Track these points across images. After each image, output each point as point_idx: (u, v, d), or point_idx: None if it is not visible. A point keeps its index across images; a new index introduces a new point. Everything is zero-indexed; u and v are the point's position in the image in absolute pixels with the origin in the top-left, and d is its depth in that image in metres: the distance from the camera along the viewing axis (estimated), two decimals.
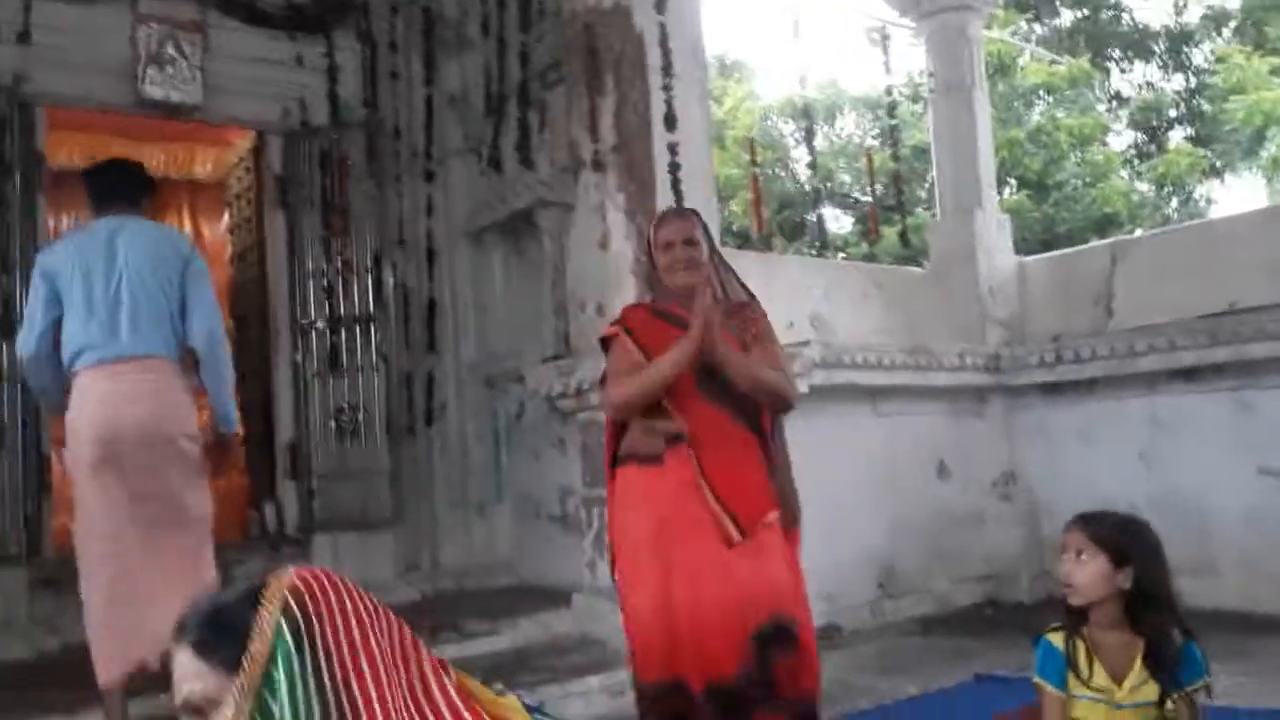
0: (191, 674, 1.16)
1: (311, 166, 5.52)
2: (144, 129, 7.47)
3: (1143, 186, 13.06)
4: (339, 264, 5.45)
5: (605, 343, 2.77)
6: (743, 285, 2.92)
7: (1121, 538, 2.12)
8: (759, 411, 2.65)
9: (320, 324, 5.44)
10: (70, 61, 4.95)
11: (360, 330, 5.44)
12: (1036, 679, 2.19)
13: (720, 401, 2.58)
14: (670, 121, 4.49)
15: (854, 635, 4.68)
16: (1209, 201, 13.21)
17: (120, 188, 3.43)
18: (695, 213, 2.87)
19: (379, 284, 5.47)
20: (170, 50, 5.17)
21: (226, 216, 7.05)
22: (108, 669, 3.14)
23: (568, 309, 4.84)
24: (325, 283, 5.46)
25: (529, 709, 1.30)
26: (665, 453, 2.56)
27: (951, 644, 4.44)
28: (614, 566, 2.70)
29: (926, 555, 5.25)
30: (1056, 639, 2.17)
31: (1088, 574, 2.09)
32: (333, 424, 5.35)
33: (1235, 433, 4.71)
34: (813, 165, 11.11)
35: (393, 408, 5.43)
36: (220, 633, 1.15)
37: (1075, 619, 2.15)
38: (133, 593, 3.12)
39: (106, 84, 5.13)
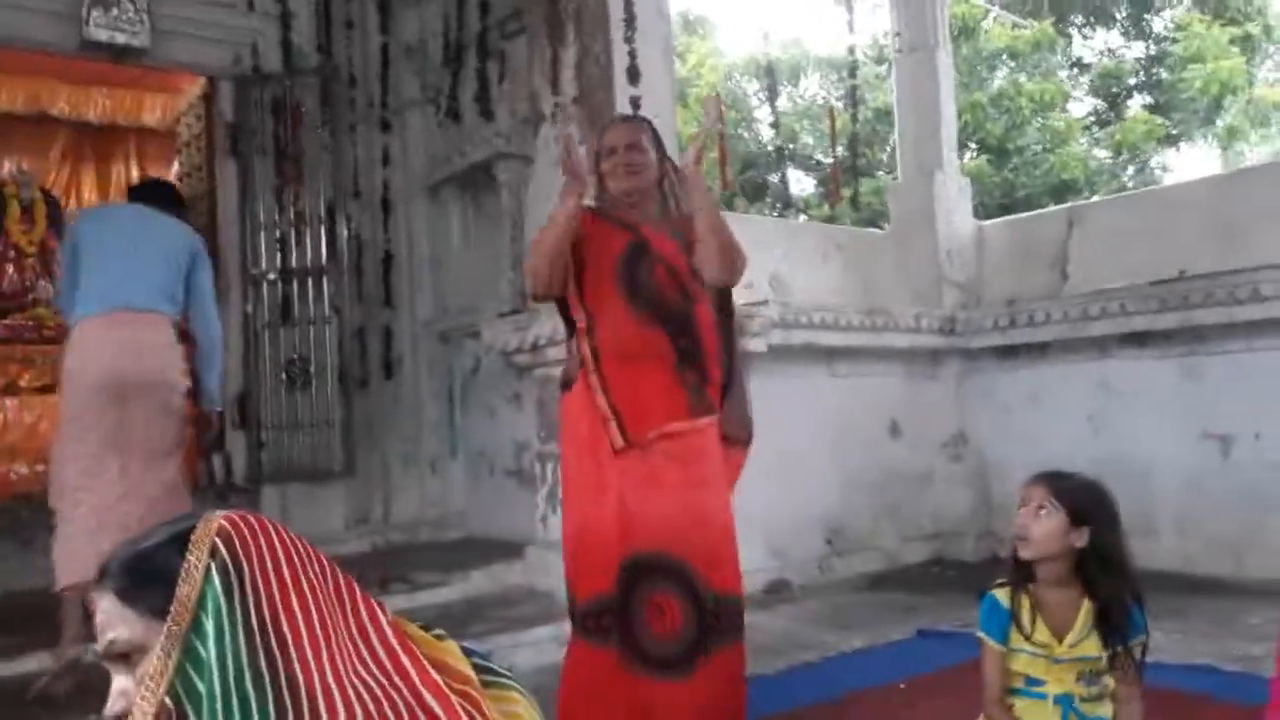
0: (116, 620, 1.13)
1: (264, 114, 5.41)
2: (89, 73, 7.29)
3: (1101, 153, 13.17)
4: (291, 214, 5.36)
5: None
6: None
7: (1083, 498, 2.14)
8: (686, 310, 2.52)
9: (272, 275, 5.36)
10: (12, 2, 4.78)
11: (313, 282, 5.36)
12: (979, 633, 2.21)
13: (640, 300, 2.49)
14: (633, 75, 4.43)
15: (803, 590, 4.74)
16: (1165, 169, 13.38)
17: (159, 193, 3.80)
18: (646, 121, 2.77)
19: (332, 235, 5.39)
20: None
21: (176, 164, 6.88)
22: (70, 572, 3.28)
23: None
24: (277, 233, 5.37)
25: (467, 652, 1.29)
26: (578, 373, 2.53)
27: (898, 600, 4.51)
28: None
29: (876, 514, 5.31)
30: (1001, 595, 2.20)
31: (1044, 529, 2.11)
32: (283, 375, 5.29)
33: (1181, 398, 4.79)
34: (775, 124, 11.04)
35: (345, 360, 5.38)
36: (145, 578, 1.13)
37: (1022, 574, 2.18)
38: (115, 520, 3.23)
39: (49, 25, 4.97)
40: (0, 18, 4.79)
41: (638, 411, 2.45)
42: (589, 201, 2.61)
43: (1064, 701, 2.13)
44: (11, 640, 3.48)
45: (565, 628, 3.84)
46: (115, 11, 5.03)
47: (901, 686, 3.11)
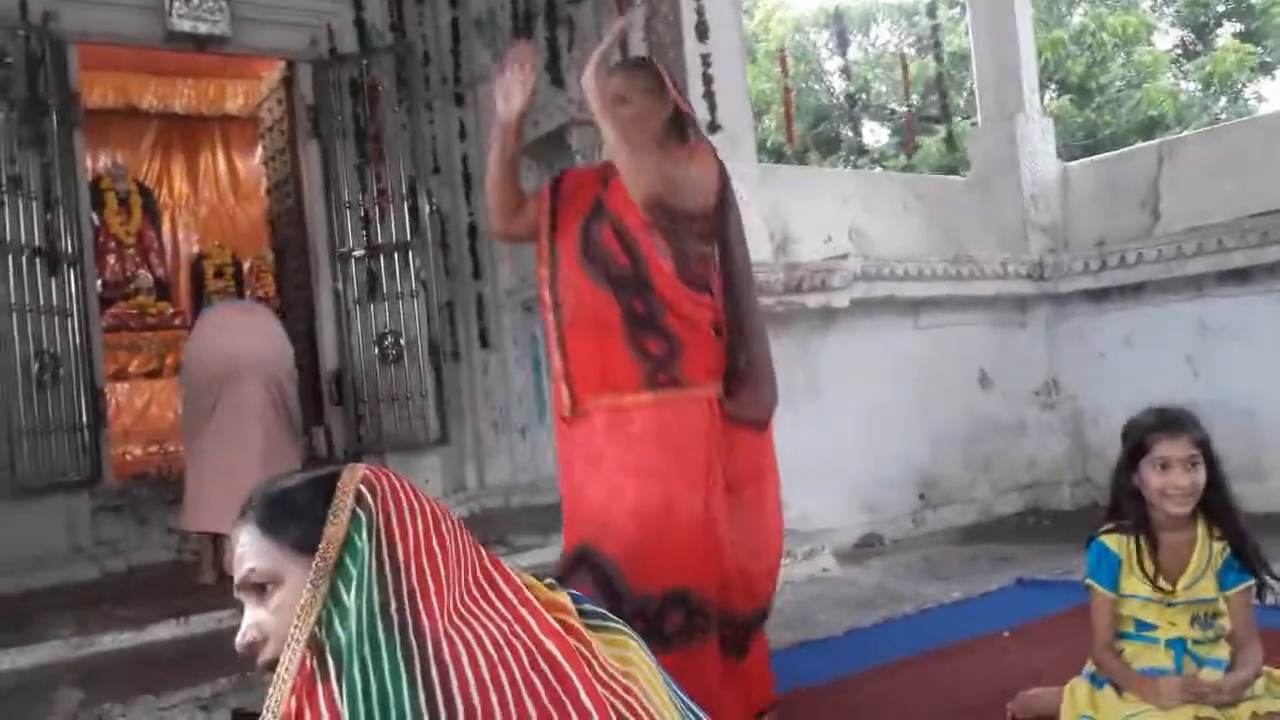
0: (255, 551, 1.20)
1: (342, 95, 5.52)
2: (174, 64, 7.51)
3: (1190, 86, 12.64)
4: (375, 192, 5.47)
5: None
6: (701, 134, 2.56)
7: (1205, 434, 2.11)
8: (635, 271, 2.27)
9: (359, 252, 5.49)
10: None
11: (399, 258, 5.48)
12: (1089, 580, 2.19)
13: (593, 266, 2.29)
14: (702, 32, 4.41)
15: (896, 545, 4.73)
16: (1260, 99, 12.77)
17: None
18: (645, 66, 2.52)
19: (415, 211, 5.49)
20: None
21: (260, 149, 7.07)
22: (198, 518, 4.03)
23: None
24: (362, 211, 5.49)
25: (576, 600, 1.34)
26: (547, 332, 2.39)
27: (994, 551, 4.47)
28: None
29: (969, 465, 5.26)
30: (1111, 541, 2.16)
31: (1202, 480, 2.07)
32: (375, 350, 5.43)
33: None
34: (846, 74, 10.81)
35: (434, 333, 5.49)
36: (286, 513, 1.20)
37: (1140, 519, 2.13)
38: (249, 475, 3.53)
39: (135, 19, 5.14)
40: (89, 14, 4.96)
41: (587, 376, 2.29)
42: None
43: (1177, 645, 2.11)
44: (138, 612, 3.67)
45: None
46: (196, 1, 5.18)
47: (1005, 635, 3.10)
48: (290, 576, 1.17)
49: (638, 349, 2.25)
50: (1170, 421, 2.11)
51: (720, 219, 2.35)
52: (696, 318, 2.29)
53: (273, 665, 1.16)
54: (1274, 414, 4.66)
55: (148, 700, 2.85)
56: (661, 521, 2.18)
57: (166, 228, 8.58)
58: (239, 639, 1.22)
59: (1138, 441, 2.12)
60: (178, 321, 7.91)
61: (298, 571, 1.16)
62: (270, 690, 1.12)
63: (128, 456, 6.48)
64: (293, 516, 1.19)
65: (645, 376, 2.24)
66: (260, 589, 1.20)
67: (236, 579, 1.22)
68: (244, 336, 4.09)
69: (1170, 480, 2.06)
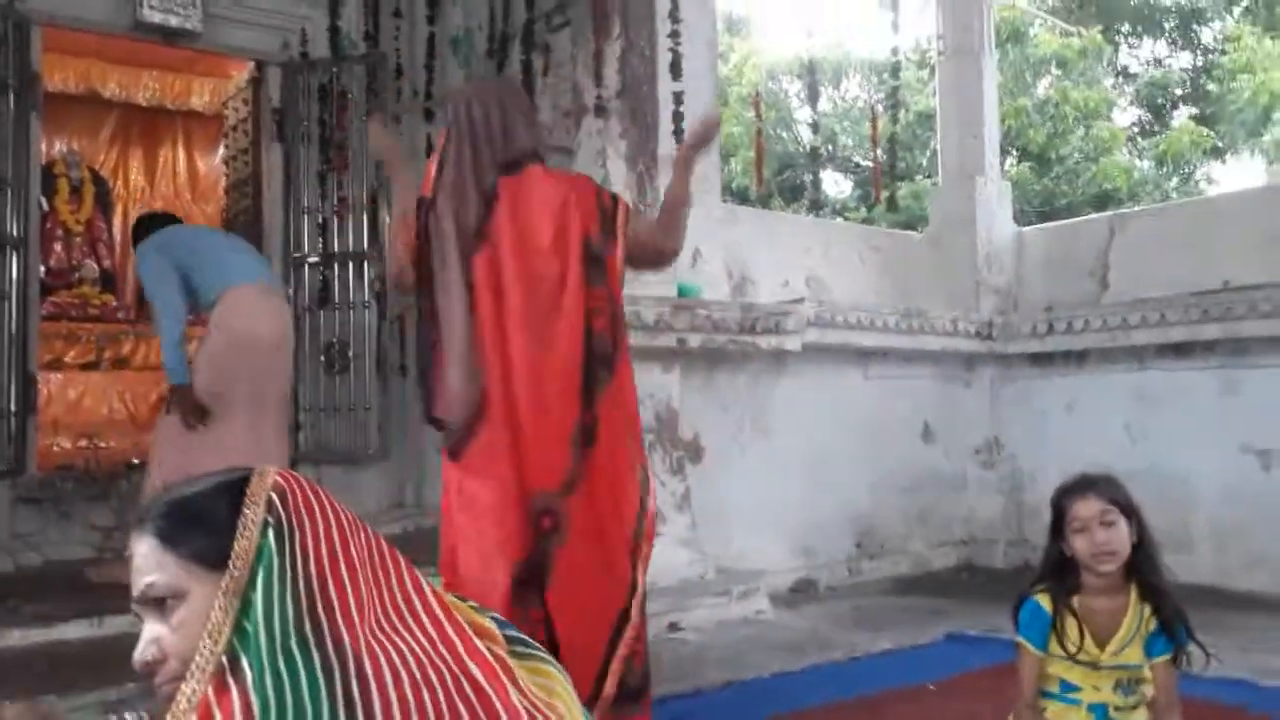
0: (154, 564, 1.12)
1: (310, 100, 5.47)
2: (141, 55, 7.39)
3: (1144, 164, 13.02)
4: (335, 200, 5.41)
5: None
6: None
7: (1124, 493, 2.13)
8: None
9: (314, 259, 5.42)
10: None
11: (353, 266, 5.41)
12: (1019, 637, 2.19)
13: None
14: (676, 69, 4.44)
15: (830, 591, 4.75)
16: (1210, 181, 13.18)
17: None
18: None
19: (374, 222, 5.43)
20: None
21: (222, 148, 6.98)
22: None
23: None
24: (320, 218, 5.42)
25: (501, 625, 1.29)
26: None
27: (927, 604, 4.50)
28: None
29: (906, 517, 5.30)
30: (1044, 600, 2.16)
31: (1121, 536, 2.08)
32: (322, 359, 5.35)
33: (1221, 411, 4.74)
34: (815, 124, 11.00)
35: (383, 346, 5.43)
36: (189, 524, 1.12)
37: (1067, 583, 2.15)
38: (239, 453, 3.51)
39: (103, 5, 5.05)
40: None
41: None
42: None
43: (1098, 710, 2.12)
44: (50, 609, 3.54)
45: None
46: None
47: (930, 688, 3.11)
48: (193, 592, 1.09)
49: None
50: (1079, 484, 2.15)
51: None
52: None
53: (174, 682, 1.09)
54: (1205, 488, 4.76)
55: (50, 701, 2.75)
56: None
57: (118, 219, 8.38)
58: (137, 655, 1.14)
59: (1057, 510, 2.16)
60: (120, 315, 7.72)
61: (200, 586, 1.09)
62: (176, 705, 1.05)
63: (55, 448, 6.28)
64: (195, 527, 1.11)
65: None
66: (160, 604, 1.12)
67: (134, 593, 1.14)
68: (276, 322, 4.00)
69: (1089, 540, 2.08)
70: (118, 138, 8.47)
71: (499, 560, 2.25)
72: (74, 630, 3.39)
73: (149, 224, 4.30)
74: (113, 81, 7.81)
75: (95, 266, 7.77)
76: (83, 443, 6.34)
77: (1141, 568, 2.11)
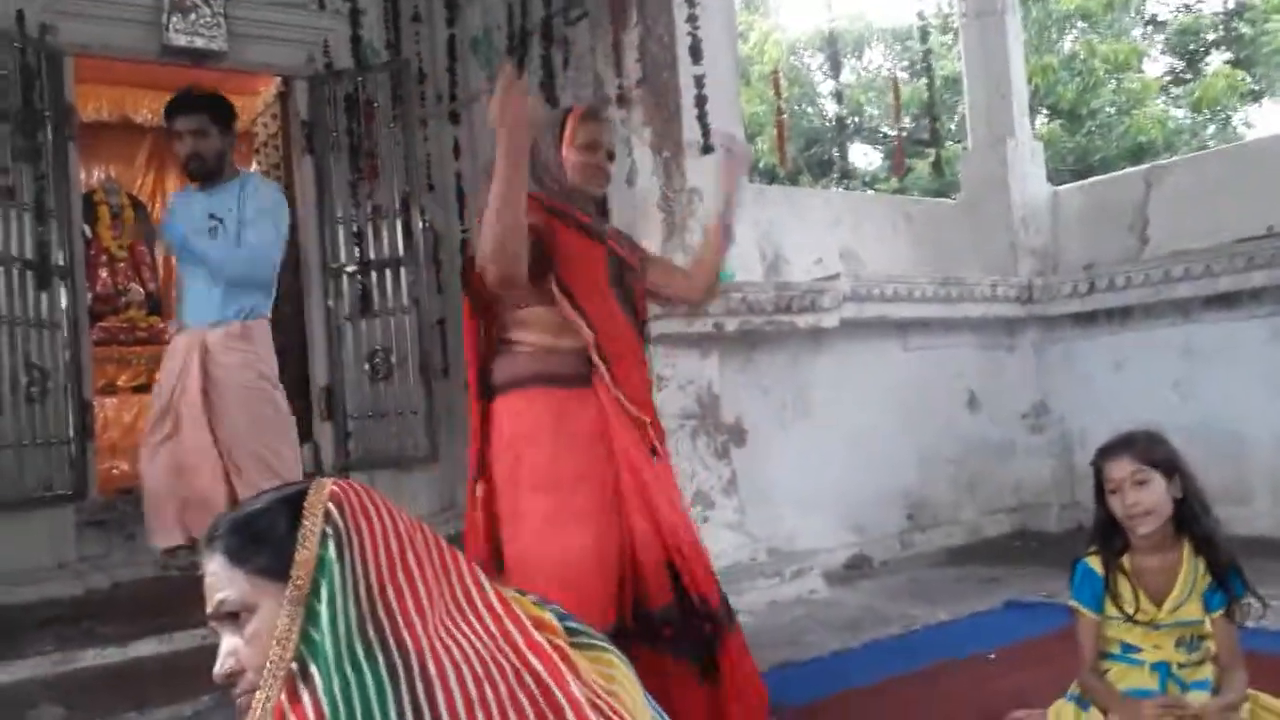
0: (224, 581, 1.18)
1: (337, 111, 5.54)
2: (170, 79, 7.45)
3: (1179, 113, 12.75)
4: (368, 209, 5.48)
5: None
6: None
7: (1161, 450, 2.12)
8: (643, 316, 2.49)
9: (351, 268, 5.49)
10: (94, 11, 4.97)
11: (391, 274, 5.48)
12: (1072, 601, 2.20)
13: (630, 313, 2.37)
14: (696, 53, 4.43)
15: (883, 566, 4.74)
16: (1248, 126, 12.89)
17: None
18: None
19: (408, 228, 5.49)
20: None
21: (254, 164, 7.08)
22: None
23: None
24: (355, 227, 5.49)
25: (561, 618, 1.32)
26: (592, 375, 2.25)
27: (981, 573, 4.47)
28: (497, 506, 2.25)
29: (956, 487, 5.27)
30: (1095, 563, 2.17)
31: (1155, 495, 2.07)
32: (366, 366, 5.43)
33: (1272, 359, 4.66)
34: (838, 96, 10.91)
35: (425, 350, 5.49)
36: (253, 540, 1.17)
37: (1117, 544, 2.14)
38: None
39: (131, 33, 5.15)
40: (84, 28, 4.97)
41: (656, 425, 2.37)
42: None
43: (1162, 668, 2.11)
44: (121, 629, 3.64)
45: None
46: (194, 16, 5.20)
47: (991, 657, 3.10)
48: (263, 604, 1.15)
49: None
50: (1113, 445, 2.15)
51: None
52: None
53: (250, 693, 1.14)
54: (1259, 437, 4.68)
55: (130, 718, 2.83)
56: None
57: (159, 243, 8.56)
58: (217, 668, 1.20)
59: (1096, 471, 2.16)
60: (168, 336, 7.87)
61: (269, 599, 1.14)
62: (249, 717, 1.10)
63: (114, 471, 6.43)
64: (259, 542, 1.17)
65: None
66: (234, 618, 1.18)
67: (209, 609, 1.20)
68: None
69: (1122, 502, 2.08)
70: (153, 162, 8.62)
71: None
72: (145, 648, 3.48)
73: None
74: (144, 107, 7.94)
75: (140, 290, 7.93)
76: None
77: (1190, 523, 2.10)
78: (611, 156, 2.47)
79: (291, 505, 1.17)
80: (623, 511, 2.22)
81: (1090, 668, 2.16)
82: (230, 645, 1.19)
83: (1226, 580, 2.08)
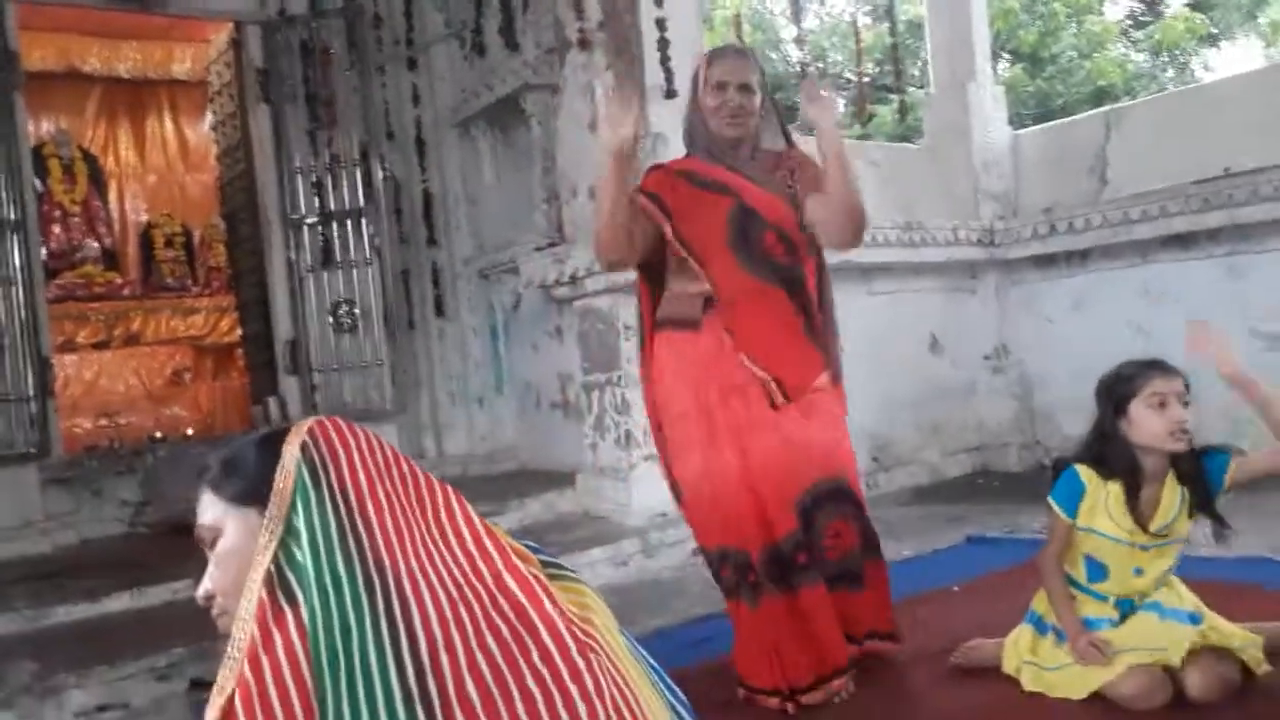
0: (203, 507, 1.27)
1: (292, 58, 5.43)
2: (118, 26, 7.33)
3: (1139, 57, 12.80)
4: (327, 158, 5.41)
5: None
6: (785, 130, 2.64)
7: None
8: (798, 270, 2.49)
9: (311, 219, 5.43)
10: None
11: (352, 224, 5.43)
12: (1050, 499, 2.21)
13: (754, 263, 2.43)
14: None
15: None
16: (1207, 69, 12.94)
17: None
18: (753, 53, 2.61)
19: (368, 177, 5.43)
20: None
21: (209, 114, 6.93)
22: None
23: (559, 195, 4.82)
24: (314, 177, 5.42)
25: (535, 550, 1.35)
26: (702, 318, 2.43)
27: (945, 511, 4.56)
28: (657, 435, 2.59)
29: (920, 428, 5.35)
30: (1084, 472, 2.18)
31: (1191, 417, 2.12)
32: (330, 319, 5.39)
33: (1228, 297, 4.74)
34: (800, 41, 10.83)
35: (389, 302, 5.45)
36: (232, 470, 1.26)
37: (1133, 468, 2.15)
38: None
39: None
40: None
41: (788, 372, 2.43)
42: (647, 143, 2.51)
43: (1124, 605, 2.17)
44: (92, 584, 3.64)
45: (622, 548, 3.97)
46: None
47: (955, 590, 3.18)
48: (229, 526, 1.23)
49: (813, 337, 2.50)
50: (1162, 363, 2.19)
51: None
52: (814, 304, 2.54)
53: (223, 615, 1.22)
54: (1213, 375, 4.77)
55: (102, 671, 2.85)
56: (853, 463, 2.56)
57: (114, 196, 8.39)
58: (198, 591, 1.28)
59: (1128, 386, 2.15)
60: (126, 292, 7.76)
61: (237, 520, 1.22)
62: (233, 631, 1.14)
63: (77, 429, 6.37)
64: (235, 472, 1.25)
65: (825, 360, 2.52)
66: (213, 545, 1.26)
67: (196, 533, 1.28)
68: None
69: (1171, 415, 2.10)
70: (103, 113, 8.43)
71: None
72: (116, 603, 3.49)
73: None
74: (93, 56, 7.75)
75: (96, 245, 7.79)
76: (103, 421, 6.45)
77: (1177, 456, 2.15)
78: (748, 90, 2.46)
79: (271, 440, 1.24)
80: (717, 446, 2.39)
81: (1054, 566, 2.20)
82: (210, 568, 1.26)
83: (1210, 471, 2.16)
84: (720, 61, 2.48)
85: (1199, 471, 2.16)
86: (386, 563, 1.14)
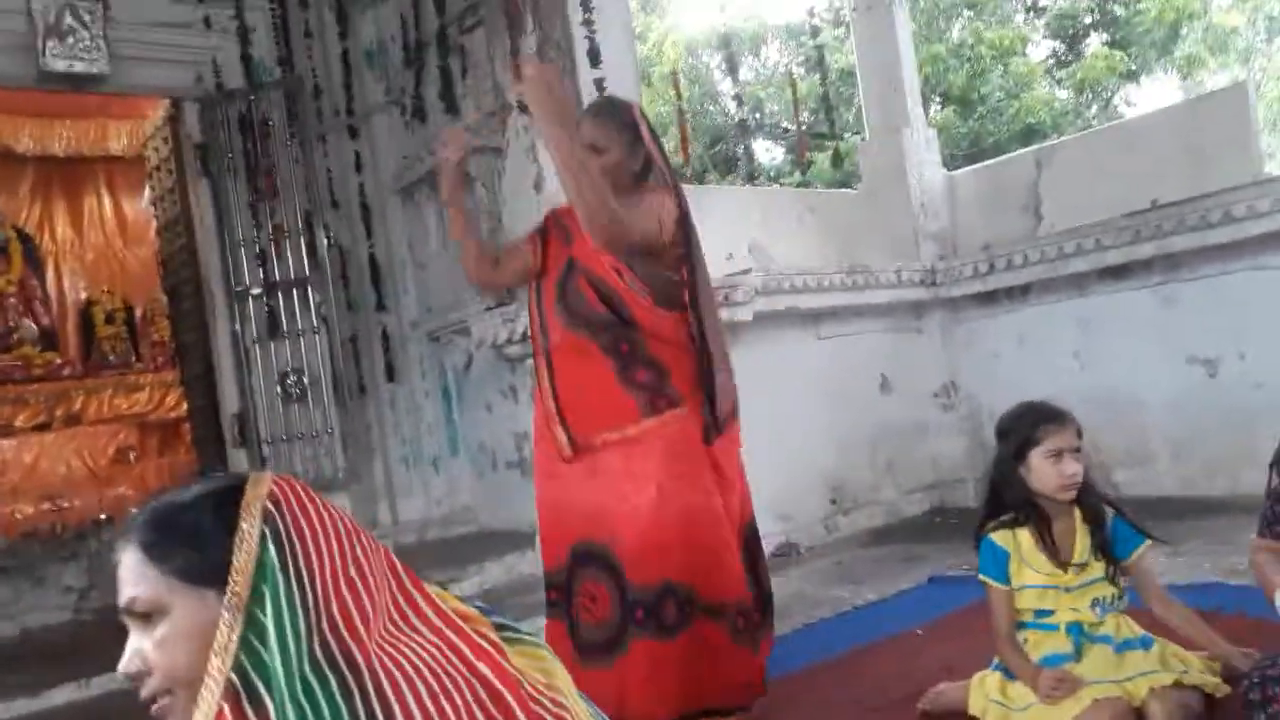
0: (136, 577, 1.09)
1: (231, 132, 5.41)
2: (52, 105, 7.27)
3: (1063, 95, 13.23)
4: (269, 228, 5.38)
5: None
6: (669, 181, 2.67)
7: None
8: (614, 316, 2.46)
9: (256, 290, 5.37)
10: None
11: (298, 294, 5.38)
12: (981, 576, 2.27)
13: (572, 317, 2.50)
14: (594, 57, 4.46)
15: (810, 551, 4.81)
16: (1128, 103, 13.44)
17: None
18: (619, 106, 2.66)
19: (312, 246, 5.41)
20: (69, 20, 4.99)
21: (148, 190, 6.87)
22: None
23: None
24: (257, 248, 5.38)
25: (486, 612, 1.30)
26: (535, 358, 2.63)
27: (904, 551, 4.58)
28: None
29: (875, 469, 5.39)
30: (998, 537, 2.25)
31: (1083, 464, 2.17)
32: (278, 389, 5.32)
33: (1163, 325, 4.86)
34: (738, 96, 11.06)
35: (338, 369, 5.40)
36: (174, 537, 1.09)
37: (1033, 510, 2.21)
38: None
39: (5, 60, 4.97)
40: None
41: (584, 417, 2.47)
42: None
43: (1074, 630, 2.19)
44: (35, 676, 3.51)
45: None
46: (71, 40, 5.01)
47: (919, 633, 3.18)
48: (176, 608, 1.07)
49: (630, 383, 2.43)
50: (1058, 413, 2.21)
51: (685, 243, 2.55)
52: (679, 337, 2.48)
53: (161, 695, 1.09)
54: (1155, 401, 4.89)
55: None
56: (654, 522, 2.36)
57: (51, 275, 8.25)
58: (121, 666, 1.12)
59: (1027, 435, 2.21)
60: (66, 371, 7.61)
61: (184, 602, 1.07)
62: None
63: (17, 515, 6.19)
64: (181, 541, 1.08)
65: (643, 406, 2.43)
66: (146, 617, 1.10)
67: (120, 603, 1.12)
68: None
69: (1064, 469, 2.15)
70: (38, 191, 8.32)
71: (729, 525, 2.51)
72: (61, 695, 3.37)
73: None
74: (25, 135, 7.67)
75: (34, 326, 7.64)
76: (45, 505, 6.27)
77: (1084, 494, 2.20)
78: (596, 150, 2.47)
79: (220, 501, 1.10)
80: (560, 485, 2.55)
81: (1006, 638, 2.23)
82: (137, 644, 1.11)
83: (1118, 534, 2.19)
84: (583, 122, 2.56)
85: (1100, 518, 2.20)
86: (360, 661, 1.04)
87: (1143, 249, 4.80)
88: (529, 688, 1.17)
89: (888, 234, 5.98)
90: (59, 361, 7.63)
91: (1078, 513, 2.22)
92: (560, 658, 2.20)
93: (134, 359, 8.05)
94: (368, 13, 5.78)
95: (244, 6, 5.45)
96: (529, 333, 2.71)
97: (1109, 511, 2.23)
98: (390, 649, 1.08)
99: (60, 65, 5.00)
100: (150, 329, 8.16)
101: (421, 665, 1.08)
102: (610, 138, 2.52)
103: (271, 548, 1.05)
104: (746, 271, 4.82)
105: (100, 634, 4.22)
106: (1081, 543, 2.20)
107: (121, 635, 1.16)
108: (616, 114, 2.61)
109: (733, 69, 11.51)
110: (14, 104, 7.12)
